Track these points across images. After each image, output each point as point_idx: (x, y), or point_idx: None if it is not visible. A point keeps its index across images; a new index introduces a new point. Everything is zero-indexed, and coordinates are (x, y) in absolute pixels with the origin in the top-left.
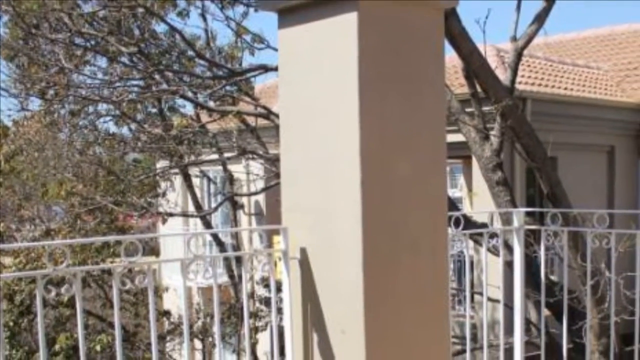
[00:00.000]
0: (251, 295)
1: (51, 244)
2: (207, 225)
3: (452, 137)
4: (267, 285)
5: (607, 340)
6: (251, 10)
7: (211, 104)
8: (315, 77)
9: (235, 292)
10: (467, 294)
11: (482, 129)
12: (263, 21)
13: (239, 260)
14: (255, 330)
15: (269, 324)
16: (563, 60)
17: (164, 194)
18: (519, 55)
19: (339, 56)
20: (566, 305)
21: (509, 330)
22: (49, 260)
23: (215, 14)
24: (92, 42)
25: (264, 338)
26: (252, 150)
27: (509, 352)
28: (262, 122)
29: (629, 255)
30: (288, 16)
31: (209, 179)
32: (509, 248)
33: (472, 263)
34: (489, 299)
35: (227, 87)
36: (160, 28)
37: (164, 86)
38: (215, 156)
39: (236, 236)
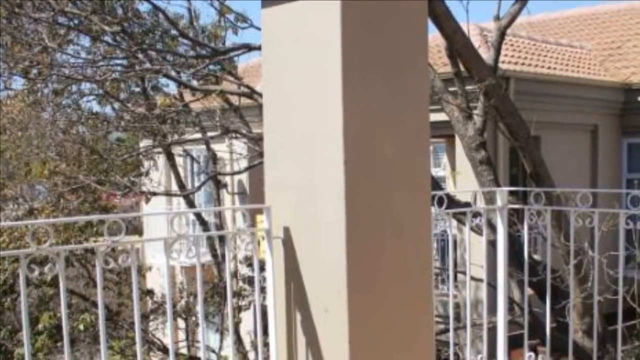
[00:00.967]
0: (234, 274)
1: (34, 223)
2: (191, 204)
3: (435, 116)
4: (250, 265)
5: (591, 319)
6: None
7: (194, 83)
8: (298, 57)
9: (218, 271)
10: (451, 273)
11: (465, 108)
12: (246, 0)
13: (222, 239)
14: (238, 309)
15: (252, 303)
16: (546, 40)
17: (147, 173)
18: (502, 34)
19: (322, 35)
20: (549, 284)
21: (492, 309)
22: (32, 240)
23: None
24: (76, 21)
25: (247, 317)
26: (235, 130)
27: (492, 331)
28: (245, 101)
29: (612, 235)
30: None
31: (192, 158)
32: (492, 227)
33: (455, 242)
34: (473, 278)
35: (211, 66)
36: (143, 7)
37: (147, 65)
38: (198, 135)
39: (219, 215)
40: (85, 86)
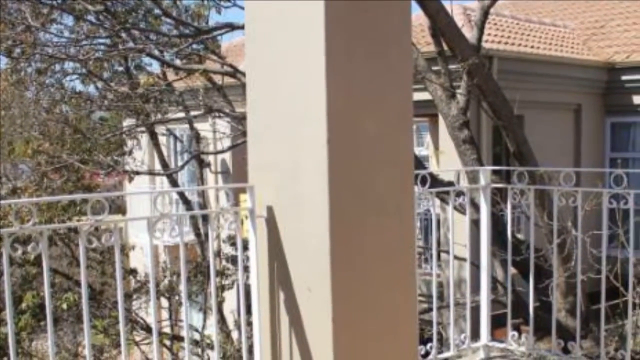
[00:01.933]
0: (218, 253)
1: (18, 202)
2: (174, 183)
3: (418, 96)
4: (233, 244)
5: (574, 298)
6: None
7: (178, 62)
8: (281, 36)
9: (201, 250)
10: (434, 252)
11: (448, 87)
12: None
13: (205, 218)
14: (221, 288)
15: (235, 282)
16: (529, 19)
17: (130, 152)
18: (485, 13)
19: (305, 14)
20: (533, 263)
21: (476, 288)
22: (16, 219)
23: None
24: (59, 0)
25: (230, 296)
26: (218, 109)
27: (476, 310)
28: (228, 80)
29: (595, 214)
30: None
31: (176, 137)
32: (475, 206)
33: (438, 221)
34: (456, 258)
35: (194, 46)
36: None
37: (131, 44)
38: (181, 114)
39: (203, 194)
40: (69, 65)
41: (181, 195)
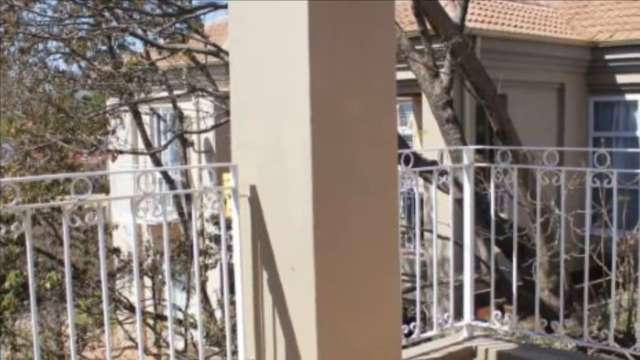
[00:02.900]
0: (201, 232)
1: (1, 182)
2: (157, 162)
3: (401, 75)
4: (216, 223)
5: (557, 277)
6: None
7: (161, 41)
8: (265, 14)
9: (185, 229)
10: (417, 231)
11: (431, 66)
12: None
13: (188, 197)
14: (205, 267)
15: (218, 261)
16: None
17: (113, 132)
18: None
19: None
20: (516, 242)
21: (459, 267)
22: None
23: None
24: None
25: (213, 276)
26: (201, 88)
27: (459, 289)
28: (212, 59)
29: (578, 193)
30: None
31: (159, 117)
32: (458, 186)
33: (422, 201)
34: (439, 237)
35: (177, 25)
36: None
37: (114, 24)
38: (165, 94)
39: (186, 174)
40: (52, 44)
41: (164, 174)
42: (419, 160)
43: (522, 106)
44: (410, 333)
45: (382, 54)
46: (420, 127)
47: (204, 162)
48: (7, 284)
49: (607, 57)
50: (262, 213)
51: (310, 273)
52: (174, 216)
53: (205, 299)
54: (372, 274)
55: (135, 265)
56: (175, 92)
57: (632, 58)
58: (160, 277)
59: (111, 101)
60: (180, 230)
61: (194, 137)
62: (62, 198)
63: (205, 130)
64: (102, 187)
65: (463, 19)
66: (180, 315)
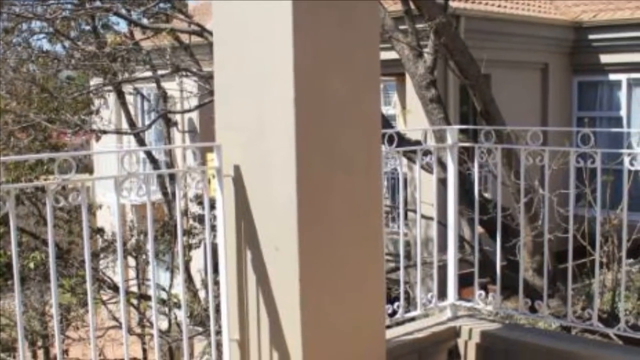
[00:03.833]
0: (185, 212)
1: None
2: (141, 142)
3: (385, 55)
4: (200, 203)
5: (541, 257)
6: None
7: (145, 21)
8: None
9: (169, 209)
10: (401, 211)
11: (415, 46)
12: None
13: (172, 177)
14: (188, 247)
15: (202, 241)
16: None
17: (97, 112)
18: None
19: None
20: (500, 222)
21: (443, 247)
22: None
23: None
24: None
25: (197, 255)
26: (185, 68)
27: (443, 269)
28: (195, 39)
29: (562, 173)
30: None
31: (143, 97)
32: (442, 165)
33: (405, 180)
34: (423, 217)
35: (161, 5)
36: None
37: (98, 3)
38: (149, 73)
39: (170, 153)
40: (36, 24)
41: (148, 154)
42: (402, 140)
43: (506, 86)
44: (394, 313)
45: (366, 34)
46: (404, 107)
47: (187, 142)
48: None
49: (591, 37)
50: (246, 193)
51: (294, 252)
52: (157, 196)
53: (189, 278)
54: (356, 254)
55: (119, 245)
56: (159, 72)
57: (616, 38)
58: (144, 257)
59: (95, 81)
60: (164, 210)
61: (178, 117)
62: (46, 178)
63: (189, 110)
64: (86, 167)
65: None
66: (164, 295)
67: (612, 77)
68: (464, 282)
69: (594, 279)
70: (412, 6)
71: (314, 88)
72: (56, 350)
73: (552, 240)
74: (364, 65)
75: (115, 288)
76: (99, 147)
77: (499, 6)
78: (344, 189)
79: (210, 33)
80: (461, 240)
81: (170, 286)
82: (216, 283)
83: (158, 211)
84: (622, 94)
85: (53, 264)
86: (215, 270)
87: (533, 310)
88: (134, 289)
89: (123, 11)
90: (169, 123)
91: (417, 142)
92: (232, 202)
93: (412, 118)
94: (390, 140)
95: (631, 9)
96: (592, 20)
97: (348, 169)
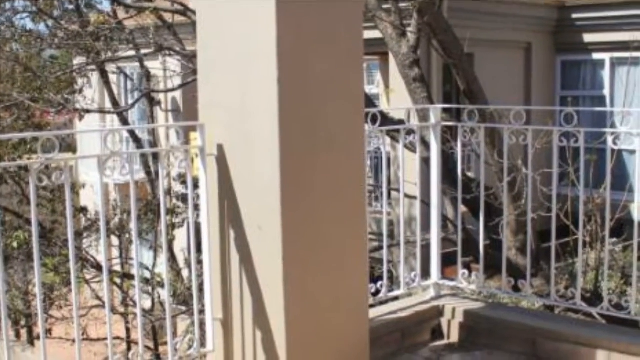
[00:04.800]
0: (168, 191)
1: None
2: (124, 121)
3: (368, 34)
4: (184, 182)
5: (524, 236)
6: None
7: (128, 0)
8: None
9: (152, 188)
10: (384, 190)
11: (398, 25)
12: None
13: (156, 156)
14: (172, 226)
15: (186, 220)
16: None
17: (80, 91)
18: None
19: None
20: (483, 202)
21: (426, 226)
22: None
23: None
24: None
25: (180, 234)
26: (169, 47)
27: (426, 248)
28: (179, 18)
29: (545, 152)
30: None
31: (126, 76)
32: (426, 145)
33: (389, 160)
34: (406, 196)
35: None
36: None
37: None
38: (132, 53)
39: (153, 133)
40: (19, 3)
41: (132, 133)
42: (386, 119)
43: (489, 65)
44: (377, 292)
45: (349, 13)
46: (387, 86)
47: (171, 121)
48: None
49: (575, 16)
50: (229, 172)
51: (277, 231)
52: (141, 175)
53: (172, 258)
54: (339, 232)
55: (102, 224)
56: (143, 51)
57: (599, 17)
58: (127, 236)
59: (78, 60)
60: (147, 189)
61: (161, 96)
62: (30, 157)
63: (173, 90)
64: (69, 146)
65: None
66: (147, 274)
67: (596, 56)
68: (447, 261)
69: (577, 258)
70: None
71: (297, 67)
72: (39, 329)
73: (536, 220)
74: (347, 44)
75: (98, 267)
76: (82, 126)
77: None
78: (327, 167)
79: (194, 12)
80: (444, 219)
81: (154, 265)
82: (199, 262)
83: (141, 190)
84: (606, 73)
85: (36, 243)
86: (199, 249)
87: (516, 289)
88: (117, 268)
89: None
90: (152, 102)
91: (401, 122)
92: (216, 181)
93: (396, 97)
94: (374, 120)
95: None
96: (575, 0)
97: (331, 147)
